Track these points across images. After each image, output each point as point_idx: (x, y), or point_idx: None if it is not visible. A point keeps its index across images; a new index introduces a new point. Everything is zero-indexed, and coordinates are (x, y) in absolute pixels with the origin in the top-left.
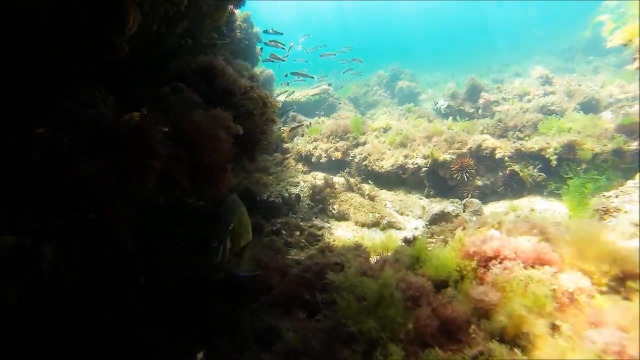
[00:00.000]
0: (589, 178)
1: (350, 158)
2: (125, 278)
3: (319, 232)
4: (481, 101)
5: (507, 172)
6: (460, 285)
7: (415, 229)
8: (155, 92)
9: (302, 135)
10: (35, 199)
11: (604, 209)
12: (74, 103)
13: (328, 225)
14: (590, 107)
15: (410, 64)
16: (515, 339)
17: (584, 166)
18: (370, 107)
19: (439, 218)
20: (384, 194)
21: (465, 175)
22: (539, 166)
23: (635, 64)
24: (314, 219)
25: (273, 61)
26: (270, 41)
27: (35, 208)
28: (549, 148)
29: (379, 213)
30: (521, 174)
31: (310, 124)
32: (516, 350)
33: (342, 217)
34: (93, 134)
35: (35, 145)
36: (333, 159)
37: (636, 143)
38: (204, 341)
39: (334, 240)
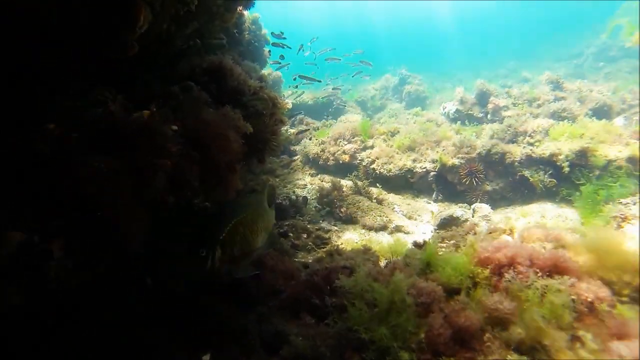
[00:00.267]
0: (602, 185)
1: (358, 161)
2: (127, 278)
3: (326, 235)
4: (490, 106)
5: (517, 177)
6: (473, 293)
7: (424, 233)
8: (165, 91)
9: (310, 139)
10: (43, 196)
11: (622, 216)
12: (82, 102)
13: (335, 228)
14: (602, 113)
15: (417, 69)
16: (532, 350)
17: (597, 173)
18: (377, 111)
19: (448, 223)
20: (392, 198)
21: (474, 180)
22: (550, 172)
23: None
24: (321, 221)
25: (280, 63)
26: (274, 43)
27: (43, 205)
28: (560, 154)
29: (386, 217)
30: (531, 179)
31: (318, 127)
32: None
33: (349, 220)
34: (102, 131)
35: (45, 140)
36: (341, 162)
37: None
38: (210, 343)
39: (342, 244)
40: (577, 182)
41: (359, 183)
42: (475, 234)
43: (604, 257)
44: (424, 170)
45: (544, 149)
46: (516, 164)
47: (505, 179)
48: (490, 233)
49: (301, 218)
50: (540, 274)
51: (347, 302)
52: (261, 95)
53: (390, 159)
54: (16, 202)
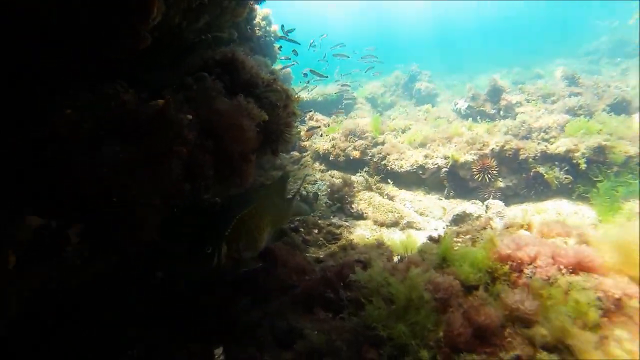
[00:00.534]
0: (620, 182)
1: (369, 157)
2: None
3: (338, 231)
4: (503, 102)
5: (531, 174)
6: (492, 288)
7: (435, 229)
8: (177, 82)
9: (321, 135)
10: (59, 183)
11: None
12: (91, 95)
13: (346, 224)
14: (620, 108)
15: (427, 66)
16: (555, 350)
17: (615, 169)
18: (387, 108)
19: (460, 219)
20: (403, 194)
21: (487, 176)
22: (566, 168)
23: None
24: (332, 217)
25: (290, 59)
26: (282, 36)
27: (59, 191)
28: (577, 150)
29: (398, 213)
30: (546, 176)
31: (328, 124)
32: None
33: (360, 216)
34: (116, 118)
35: (63, 124)
36: (351, 158)
37: None
38: (222, 338)
39: (353, 239)
40: (595, 179)
41: (370, 179)
42: (491, 228)
43: (632, 254)
44: (436, 166)
45: (560, 145)
46: (530, 160)
47: (519, 175)
48: (507, 228)
49: (312, 214)
50: (564, 271)
51: (364, 299)
52: (274, 87)
53: (402, 155)
54: (33, 188)
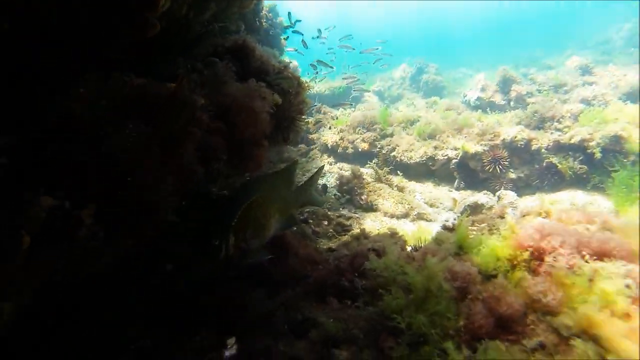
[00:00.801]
0: (637, 171)
1: (378, 149)
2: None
3: (348, 222)
4: (513, 93)
5: (544, 164)
6: (511, 275)
7: (446, 221)
8: (188, 67)
9: (330, 128)
10: (73, 161)
11: None
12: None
13: (356, 215)
14: (637, 97)
15: (434, 59)
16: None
17: (632, 158)
18: (394, 101)
19: (472, 210)
20: (413, 186)
21: (498, 167)
22: (580, 158)
23: None
24: (341, 209)
25: (296, 50)
26: (288, 25)
27: (73, 170)
28: (592, 139)
29: (408, 204)
30: (560, 166)
31: (336, 116)
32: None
33: (370, 208)
34: (130, 99)
35: (78, 101)
36: (360, 150)
37: None
38: (235, 329)
39: (365, 229)
40: (611, 169)
41: (380, 171)
42: (505, 217)
43: None
44: (446, 157)
45: (574, 135)
46: (543, 150)
47: (531, 166)
48: (524, 216)
49: (322, 205)
50: (588, 259)
51: (381, 288)
52: (285, 74)
53: (411, 147)
54: (46, 168)
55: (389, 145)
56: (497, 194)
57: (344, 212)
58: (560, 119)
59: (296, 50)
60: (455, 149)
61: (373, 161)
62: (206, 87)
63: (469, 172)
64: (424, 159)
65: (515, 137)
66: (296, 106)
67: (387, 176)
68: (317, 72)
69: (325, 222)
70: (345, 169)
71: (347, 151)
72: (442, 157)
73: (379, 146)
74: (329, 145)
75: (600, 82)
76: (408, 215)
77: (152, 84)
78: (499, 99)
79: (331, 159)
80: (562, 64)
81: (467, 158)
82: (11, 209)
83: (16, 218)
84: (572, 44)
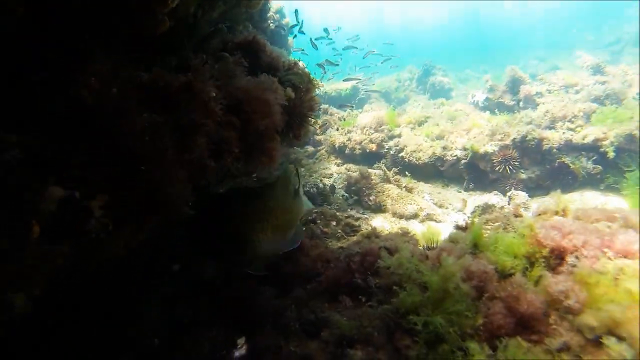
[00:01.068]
0: None
1: (385, 150)
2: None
3: (356, 223)
4: (522, 93)
5: (556, 164)
6: (530, 273)
7: (456, 222)
8: (198, 61)
9: (337, 129)
10: (84, 150)
11: None
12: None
13: (365, 216)
14: None
15: (440, 61)
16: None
17: None
18: (401, 103)
19: (482, 211)
20: (422, 187)
21: (508, 167)
22: (594, 158)
23: None
24: (349, 210)
25: (303, 50)
26: (294, 24)
27: (84, 160)
28: (605, 139)
29: (417, 205)
30: (572, 166)
31: (343, 117)
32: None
33: (378, 208)
34: (143, 88)
35: (87, 87)
36: (367, 150)
37: None
38: (245, 328)
39: (376, 229)
40: (626, 169)
41: (388, 172)
42: (522, 215)
43: None
44: (455, 158)
45: (587, 134)
46: (554, 150)
47: (542, 166)
48: (540, 215)
49: (329, 207)
50: (612, 257)
51: (395, 285)
52: (296, 70)
53: (419, 147)
54: (57, 157)
55: (397, 145)
56: (508, 194)
57: (353, 212)
58: (572, 119)
59: (302, 50)
60: (465, 149)
61: (381, 162)
62: (218, 80)
63: (479, 173)
64: (432, 159)
65: (526, 136)
66: (307, 102)
67: (395, 177)
68: (324, 72)
69: (334, 223)
70: (353, 170)
71: (354, 152)
72: (451, 158)
73: (386, 147)
74: (336, 146)
75: (613, 81)
76: (417, 216)
77: (165, 75)
78: (507, 99)
79: (339, 160)
80: (570, 64)
81: (476, 158)
82: (21, 199)
83: (26, 208)
84: (579, 46)
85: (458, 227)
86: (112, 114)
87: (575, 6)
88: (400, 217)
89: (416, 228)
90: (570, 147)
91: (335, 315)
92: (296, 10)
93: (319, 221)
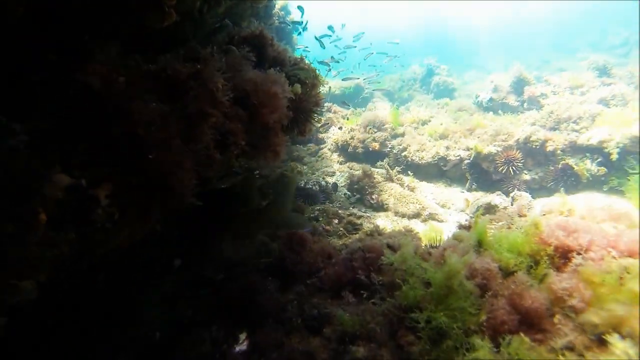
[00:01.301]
0: None
1: (388, 149)
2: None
3: (358, 221)
4: (527, 94)
5: (560, 166)
6: (535, 271)
7: (458, 222)
8: (206, 53)
9: (341, 128)
10: (91, 137)
11: None
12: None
13: (367, 214)
14: None
15: (444, 61)
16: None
17: None
18: (404, 102)
19: (485, 211)
20: (424, 186)
21: (512, 168)
22: (599, 160)
23: None
24: (351, 208)
25: (306, 47)
26: (296, 21)
27: (90, 146)
28: (611, 140)
29: (419, 204)
30: (576, 168)
31: (347, 115)
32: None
33: (380, 207)
34: (151, 76)
35: (93, 74)
36: (370, 149)
37: None
38: (247, 323)
39: (379, 226)
40: (631, 171)
41: (391, 170)
42: (526, 215)
43: None
44: (458, 158)
45: (592, 136)
46: (558, 152)
47: (546, 167)
48: (545, 214)
49: (331, 205)
50: (617, 256)
51: (399, 279)
52: (302, 65)
53: (422, 147)
54: (64, 144)
55: (400, 145)
56: (511, 195)
57: (355, 210)
58: (577, 120)
59: (305, 47)
60: (468, 149)
61: (384, 160)
62: (225, 72)
63: (482, 173)
64: (435, 159)
65: (530, 137)
66: (313, 97)
67: (398, 176)
68: (329, 70)
69: (336, 221)
70: (356, 169)
71: (357, 150)
72: (454, 158)
73: (389, 146)
74: (339, 144)
75: (619, 83)
76: (419, 216)
77: (174, 63)
78: (512, 100)
79: (341, 158)
80: (575, 66)
81: (479, 159)
82: (28, 184)
83: (33, 194)
84: (584, 47)
85: (462, 227)
86: (120, 101)
87: (583, 7)
88: (403, 216)
89: (418, 227)
90: (574, 149)
91: (338, 310)
92: (300, 7)
93: (321, 219)
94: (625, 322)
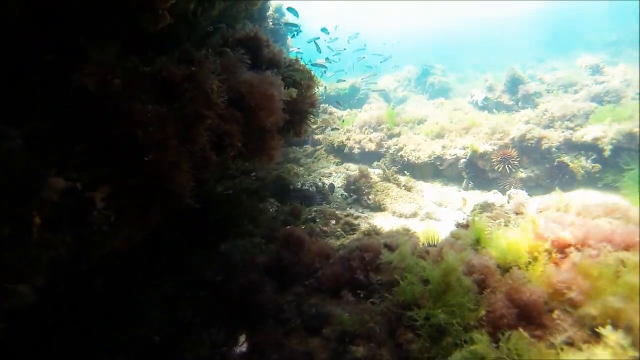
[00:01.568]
0: None
1: (385, 149)
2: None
3: (356, 222)
4: (521, 93)
5: (555, 163)
6: (532, 267)
7: (456, 220)
8: (200, 55)
9: (336, 129)
10: (87, 140)
11: None
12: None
13: (364, 215)
14: None
15: (437, 61)
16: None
17: None
18: (400, 102)
19: (482, 209)
20: (421, 186)
21: (508, 166)
22: (593, 157)
23: None
24: (348, 209)
25: (298, 49)
26: (290, 23)
27: (86, 149)
28: (604, 137)
29: (416, 204)
30: (571, 165)
31: (342, 116)
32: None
33: (377, 207)
34: (147, 78)
35: (88, 75)
36: (366, 150)
37: None
38: (245, 324)
39: (377, 226)
40: (626, 167)
41: (387, 171)
42: (523, 212)
43: None
44: (454, 157)
45: (587, 133)
46: (554, 149)
47: (541, 165)
48: (541, 211)
49: (328, 206)
50: (612, 250)
51: (397, 276)
52: (297, 67)
53: (418, 146)
54: (63, 144)
55: (397, 145)
56: (508, 193)
57: (352, 211)
58: (572, 118)
59: (298, 49)
60: (464, 148)
61: (381, 161)
62: (220, 74)
63: (478, 172)
64: (431, 158)
65: (525, 135)
66: (308, 99)
67: (394, 176)
68: (324, 72)
69: (333, 222)
70: (352, 169)
71: (353, 151)
72: (450, 157)
73: (386, 146)
74: (335, 145)
75: (612, 80)
76: (416, 215)
77: (169, 65)
78: (506, 99)
79: (337, 159)
80: (568, 65)
81: (475, 157)
82: (23, 187)
83: (28, 196)
84: (578, 47)
85: (459, 225)
86: (119, 102)
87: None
88: (400, 215)
89: (416, 227)
90: (569, 146)
91: (337, 310)
92: (290, 9)
93: (318, 220)
94: (623, 314)
